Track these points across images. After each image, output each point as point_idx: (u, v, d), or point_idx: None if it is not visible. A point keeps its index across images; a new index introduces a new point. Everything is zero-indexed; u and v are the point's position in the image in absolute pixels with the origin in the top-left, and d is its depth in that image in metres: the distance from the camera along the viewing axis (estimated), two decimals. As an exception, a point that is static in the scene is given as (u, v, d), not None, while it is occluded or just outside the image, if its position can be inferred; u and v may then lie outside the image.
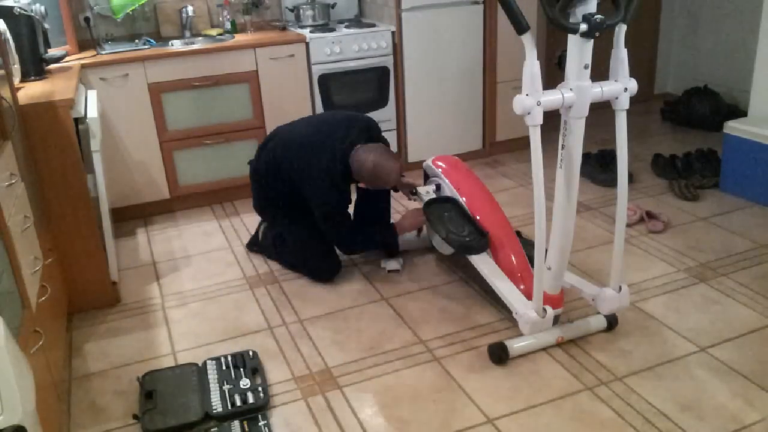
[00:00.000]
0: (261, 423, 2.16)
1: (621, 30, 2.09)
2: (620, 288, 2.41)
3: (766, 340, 2.46)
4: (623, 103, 2.16)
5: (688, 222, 3.43)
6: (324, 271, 3.06)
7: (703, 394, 2.21)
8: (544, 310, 2.34)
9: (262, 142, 3.15)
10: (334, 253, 3.09)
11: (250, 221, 3.76)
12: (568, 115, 2.14)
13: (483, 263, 2.67)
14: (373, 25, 4.09)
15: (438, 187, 3.03)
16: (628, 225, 3.37)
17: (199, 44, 3.87)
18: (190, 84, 3.70)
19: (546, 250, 2.33)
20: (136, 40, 3.89)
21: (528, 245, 2.56)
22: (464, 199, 2.83)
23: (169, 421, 2.20)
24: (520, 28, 1.98)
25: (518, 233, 2.74)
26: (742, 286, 2.83)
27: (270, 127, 3.94)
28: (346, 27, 4.08)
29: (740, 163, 3.65)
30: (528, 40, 1.99)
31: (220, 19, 4.18)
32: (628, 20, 2.07)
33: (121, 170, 3.72)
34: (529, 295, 2.50)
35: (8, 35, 2.80)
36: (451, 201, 2.85)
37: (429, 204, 2.85)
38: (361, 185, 3.06)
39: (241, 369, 2.43)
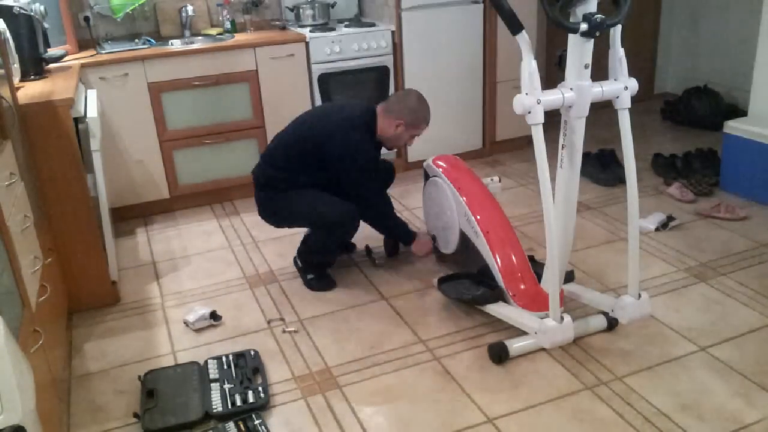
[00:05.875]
0: (257, 422, 2.16)
1: (617, 30, 2.09)
2: (639, 295, 2.37)
3: (766, 340, 2.46)
4: (624, 102, 2.16)
5: (688, 222, 3.43)
6: (347, 218, 2.82)
7: (703, 394, 2.21)
8: (562, 317, 2.32)
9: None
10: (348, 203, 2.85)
11: (250, 221, 3.76)
12: (569, 115, 2.14)
13: (494, 306, 2.62)
14: (373, 25, 4.09)
15: (433, 239, 3.09)
16: (685, 201, 3.60)
17: (198, 44, 3.87)
18: (190, 83, 3.70)
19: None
20: (136, 40, 3.89)
21: (539, 266, 2.55)
22: (464, 198, 2.82)
23: (170, 420, 2.19)
24: (515, 28, 1.98)
25: (531, 258, 2.74)
26: (742, 285, 2.82)
27: (270, 126, 3.94)
28: (346, 26, 4.08)
29: (740, 163, 3.65)
30: (523, 40, 1.99)
31: (220, 18, 4.18)
32: (623, 20, 2.07)
33: (121, 170, 3.72)
34: (529, 296, 2.51)
35: (8, 35, 2.80)
36: (464, 275, 2.85)
37: (443, 281, 2.83)
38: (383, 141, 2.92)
39: (243, 368, 2.43)
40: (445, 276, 2.85)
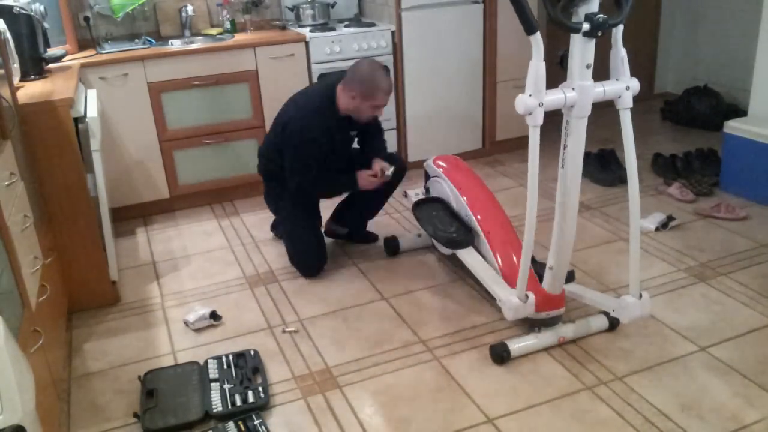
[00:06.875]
0: (257, 422, 2.16)
1: (618, 30, 2.09)
2: (641, 295, 2.37)
3: (766, 340, 2.46)
4: (626, 102, 2.15)
5: (688, 221, 3.43)
6: (309, 268, 3.10)
7: (703, 394, 2.21)
8: (527, 295, 2.34)
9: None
10: (322, 249, 3.12)
11: (250, 221, 3.75)
12: (570, 115, 2.13)
13: (468, 256, 2.69)
14: (373, 25, 4.09)
15: (427, 191, 3.05)
16: (685, 201, 3.61)
17: (198, 44, 3.87)
18: (190, 83, 3.70)
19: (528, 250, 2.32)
20: (136, 40, 3.89)
21: (539, 266, 2.57)
22: (465, 198, 2.82)
23: (170, 420, 2.19)
24: (531, 28, 1.97)
25: (532, 258, 2.78)
26: (742, 285, 2.82)
27: (270, 126, 3.92)
28: (346, 26, 4.08)
29: (740, 163, 3.65)
30: (536, 42, 1.98)
31: (220, 18, 4.17)
32: (624, 20, 2.06)
33: (121, 170, 3.72)
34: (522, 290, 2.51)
35: (8, 35, 2.80)
36: (440, 201, 2.88)
37: (418, 204, 2.88)
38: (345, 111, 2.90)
39: (243, 368, 2.43)
40: (420, 199, 2.95)
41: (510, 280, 2.57)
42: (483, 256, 2.71)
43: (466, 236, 2.69)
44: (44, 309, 2.23)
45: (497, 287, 2.50)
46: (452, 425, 2.14)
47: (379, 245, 3.32)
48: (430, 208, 2.86)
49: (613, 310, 2.39)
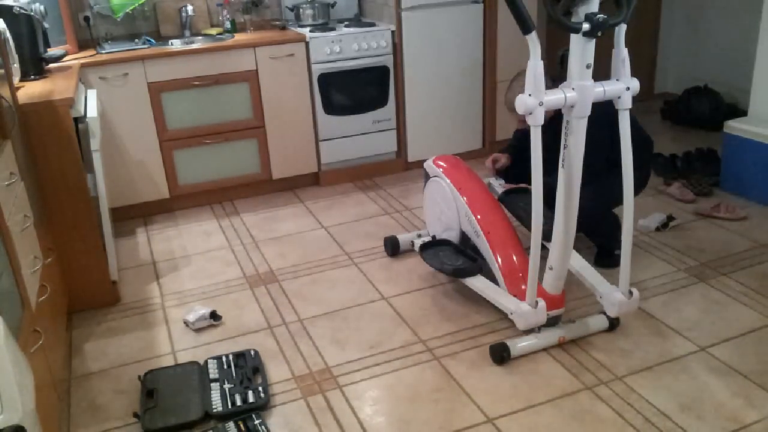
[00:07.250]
0: (257, 422, 2.16)
1: (621, 30, 2.09)
2: (631, 293, 2.38)
3: (766, 340, 2.46)
4: (626, 103, 2.16)
5: (688, 222, 3.43)
6: None
7: (703, 394, 2.21)
8: (537, 302, 2.34)
9: None
10: None
11: (250, 221, 3.75)
12: (570, 115, 2.14)
13: (475, 280, 2.69)
14: (373, 25, 4.09)
15: (433, 238, 3.08)
16: (685, 201, 3.62)
17: (198, 43, 3.87)
18: (190, 83, 3.70)
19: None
20: (136, 40, 3.89)
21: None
22: (465, 198, 2.82)
23: (170, 420, 2.19)
24: (526, 28, 1.97)
25: None
26: (742, 286, 2.82)
27: (270, 126, 3.94)
28: (346, 26, 4.08)
29: (740, 163, 3.65)
30: (533, 41, 1.98)
31: (220, 18, 4.17)
32: (628, 20, 2.06)
33: (121, 170, 3.72)
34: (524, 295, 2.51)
35: (8, 35, 2.80)
36: (445, 243, 2.94)
37: (424, 247, 2.94)
38: None
39: (243, 368, 2.43)
40: (426, 242, 2.94)
41: (510, 279, 2.57)
42: (483, 257, 2.72)
43: (472, 265, 2.71)
44: (44, 309, 2.23)
45: (506, 301, 2.50)
46: (452, 425, 2.14)
47: (379, 245, 3.32)
48: (437, 248, 2.92)
49: (600, 297, 2.44)
